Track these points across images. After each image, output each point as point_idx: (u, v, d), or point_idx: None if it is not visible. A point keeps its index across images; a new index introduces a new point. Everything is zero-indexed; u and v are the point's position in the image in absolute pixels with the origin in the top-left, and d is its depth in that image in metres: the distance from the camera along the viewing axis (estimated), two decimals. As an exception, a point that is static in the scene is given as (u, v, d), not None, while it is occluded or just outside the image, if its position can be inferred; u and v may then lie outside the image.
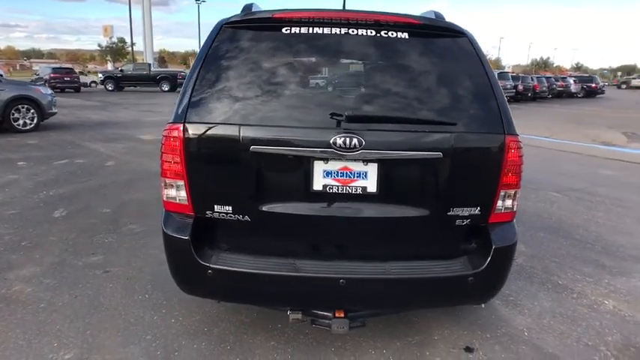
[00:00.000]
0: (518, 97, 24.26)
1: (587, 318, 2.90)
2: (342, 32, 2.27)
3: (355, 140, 2.05)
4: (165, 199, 2.28)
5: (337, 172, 2.14)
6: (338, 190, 2.14)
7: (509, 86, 22.75)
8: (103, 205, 4.87)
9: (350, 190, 2.14)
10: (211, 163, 2.19)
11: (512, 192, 2.25)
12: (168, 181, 2.23)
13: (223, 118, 2.15)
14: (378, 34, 2.28)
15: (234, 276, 2.16)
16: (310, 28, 2.27)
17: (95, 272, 3.32)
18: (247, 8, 2.56)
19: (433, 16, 2.54)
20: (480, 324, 2.77)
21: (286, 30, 2.28)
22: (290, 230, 2.22)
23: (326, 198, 2.16)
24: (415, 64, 2.29)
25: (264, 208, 2.17)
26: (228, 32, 2.32)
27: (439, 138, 2.12)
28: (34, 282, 3.14)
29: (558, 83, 29.34)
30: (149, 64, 30.44)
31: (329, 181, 2.14)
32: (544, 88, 26.79)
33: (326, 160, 2.11)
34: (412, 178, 2.19)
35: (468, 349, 2.53)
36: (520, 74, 27.74)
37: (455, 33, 2.33)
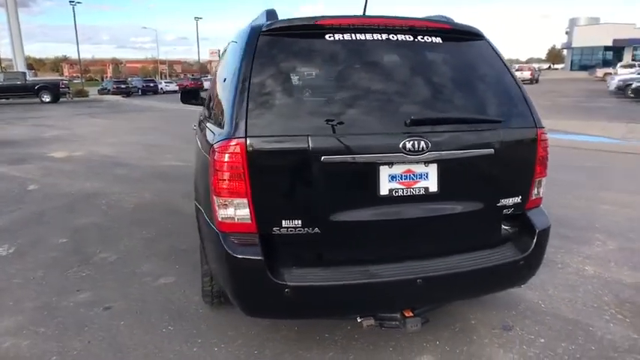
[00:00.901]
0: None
1: (581, 284, 3.27)
2: (384, 38, 2.31)
3: (422, 143, 2.11)
4: (220, 219, 2.14)
5: (401, 176, 2.18)
6: (403, 192, 2.18)
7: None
8: (54, 235, 4.34)
9: (414, 192, 2.20)
10: (278, 178, 2.10)
11: (543, 179, 2.47)
12: (224, 200, 2.10)
13: (286, 129, 2.08)
14: (415, 39, 2.35)
15: (311, 291, 2.11)
16: (353, 35, 2.28)
17: (95, 311, 2.97)
18: (271, 14, 2.47)
19: (445, 20, 2.67)
20: (502, 304, 2.99)
21: (329, 37, 2.26)
22: (360, 237, 2.21)
23: (392, 201, 2.19)
24: (452, 67, 2.40)
25: (334, 218, 2.13)
26: (267, 39, 2.23)
27: (489, 135, 2.27)
28: (27, 333, 2.73)
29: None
30: (23, 73, 27.23)
31: (394, 184, 2.17)
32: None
33: (390, 164, 2.14)
34: (468, 175, 2.30)
35: (506, 328, 2.73)
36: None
37: (477, 36, 2.50)
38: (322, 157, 2.06)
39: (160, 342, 2.62)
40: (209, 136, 2.39)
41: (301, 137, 2.06)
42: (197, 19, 63.13)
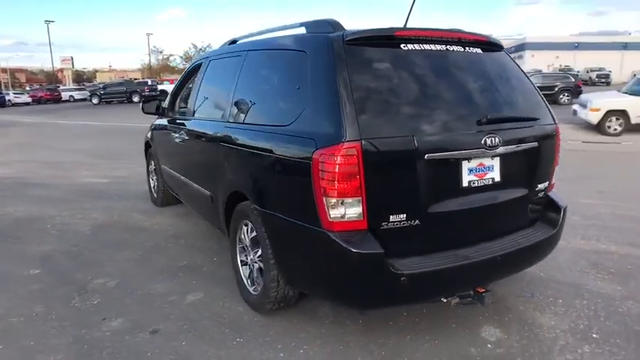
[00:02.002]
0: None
1: (557, 254, 3.90)
2: (445, 48, 2.62)
3: (497, 139, 2.45)
4: (330, 219, 2.23)
5: (476, 169, 2.50)
6: (477, 183, 2.50)
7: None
8: (20, 268, 3.80)
9: (485, 182, 2.53)
10: (387, 176, 2.27)
11: (557, 166, 2.99)
12: (337, 200, 2.21)
13: (392, 130, 2.27)
14: (465, 49, 2.71)
15: (422, 278, 2.30)
16: (421, 45, 2.54)
17: (142, 336, 2.77)
18: (337, 24, 2.60)
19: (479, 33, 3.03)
20: (512, 279, 3.45)
21: (404, 46, 2.49)
22: (448, 225, 2.47)
23: (470, 192, 2.49)
24: (492, 73, 2.78)
25: (431, 210, 2.37)
26: (352, 48, 2.39)
27: (533, 131, 2.71)
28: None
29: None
30: None
31: (471, 177, 2.49)
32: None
33: (469, 159, 2.45)
34: (519, 165, 2.70)
35: (529, 295, 3.20)
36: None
37: (500, 47, 2.93)
38: (426, 155, 2.28)
39: (241, 354, 2.57)
40: (294, 142, 2.42)
41: (407, 137, 2.26)
42: (48, 22, 56.48)
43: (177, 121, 4.44)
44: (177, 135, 4.22)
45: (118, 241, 4.40)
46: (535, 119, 2.74)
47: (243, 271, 3.17)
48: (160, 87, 34.68)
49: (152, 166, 5.57)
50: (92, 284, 3.48)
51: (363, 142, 2.17)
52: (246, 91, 3.16)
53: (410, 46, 2.51)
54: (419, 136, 2.28)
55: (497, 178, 2.57)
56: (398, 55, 2.48)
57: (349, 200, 2.21)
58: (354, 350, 2.58)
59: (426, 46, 2.56)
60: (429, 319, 2.87)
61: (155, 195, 5.58)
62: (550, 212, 2.92)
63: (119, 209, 5.49)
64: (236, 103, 3.17)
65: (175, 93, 4.88)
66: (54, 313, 3.06)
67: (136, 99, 32.39)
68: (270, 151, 2.60)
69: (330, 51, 2.38)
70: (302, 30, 2.87)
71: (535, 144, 2.69)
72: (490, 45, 2.85)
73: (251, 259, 3.01)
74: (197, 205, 4.05)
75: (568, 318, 2.89)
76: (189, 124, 3.97)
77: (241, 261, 3.18)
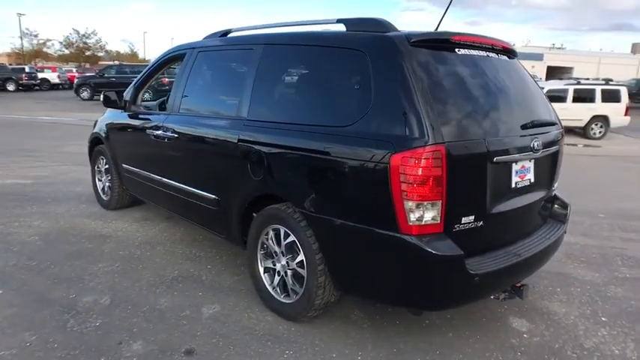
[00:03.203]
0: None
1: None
2: (486, 55, 2.73)
3: (540, 142, 2.62)
4: (410, 223, 2.21)
5: (520, 170, 2.64)
6: (520, 185, 2.65)
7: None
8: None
9: (524, 184, 2.69)
10: (463, 178, 2.30)
11: (560, 167, 3.27)
12: (416, 204, 2.19)
13: (467, 134, 2.31)
14: (498, 56, 2.85)
15: (491, 276, 2.37)
16: (471, 50, 2.63)
17: (177, 357, 2.48)
18: (389, 24, 2.57)
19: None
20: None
21: (459, 50, 2.55)
22: (504, 224, 2.58)
23: (516, 192, 2.64)
24: (519, 79, 2.95)
25: (492, 211, 2.46)
26: (415, 50, 2.39)
27: (557, 135, 2.94)
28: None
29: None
30: None
31: (517, 178, 2.63)
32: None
33: (517, 161, 2.59)
34: (546, 167, 2.90)
35: (533, 285, 3.45)
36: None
37: (516, 54, 3.12)
38: (495, 158, 2.36)
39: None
40: (362, 144, 2.33)
41: (480, 141, 2.32)
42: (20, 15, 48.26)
43: (153, 116, 4.04)
44: (153, 132, 3.82)
45: (82, 252, 3.88)
46: (556, 123, 2.97)
47: (267, 279, 2.99)
48: (40, 75, 31.07)
49: (102, 166, 4.99)
50: (81, 303, 3.03)
51: (447, 144, 2.18)
52: (271, 87, 2.97)
53: (463, 51, 2.57)
54: (491, 139, 2.35)
55: (532, 179, 2.74)
56: (454, 59, 2.52)
57: (430, 203, 2.20)
58: (409, 353, 2.59)
59: (474, 52, 2.64)
60: (459, 316, 2.97)
61: (106, 197, 5.01)
62: (558, 209, 3.18)
63: (63, 214, 4.83)
64: (258, 100, 2.96)
65: (140, 86, 4.43)
66: (52, 340, 2.61)
67: (11, 87, 28.53)
68: (326, 153, 2.48)
69: (397, 52, 2.34)
70: (339, 27, 2.78)
71: (557, 147, 2.92)
72: (512, 53, 3.02)
73: (283, 266, 2.85)
74: (186, 209, 3.71)
75: (574, 305, 3.18)
76: (177, 121, 3.62)
77: (265, 268, 2.99)
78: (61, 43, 51.65)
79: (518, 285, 2.72)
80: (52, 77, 31.72)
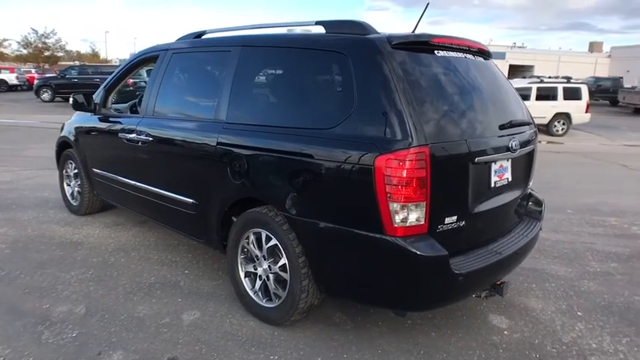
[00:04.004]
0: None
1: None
2: (464, 56, 2.77)
3: (517, 142, 2.68)
4: (395, 225, 2.23)
5: (498, 170, 2.69)
6: (498, 184, 2.71)
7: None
8: None
9: (502, 183, 2.75)
10: (447, 180, 2.33)
11: (534, 165, 3.36)
12: (401, 205, 2.21)
13: (448, 135, 2.34)
14: (474, 57, 2.90)
15: (473, 275, 2.41)
16: (450, 52, 2.66)
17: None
18: (370, 27, 2.58)
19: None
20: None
21: (437, 52, 2.59)
22: (484, 224, 2.62)
23: (495, 192, 2.69)
24: (494, 79, 2.99)
25: (473, 210, 2.50)
26: (396, 52, 2.40)
27: (532, 134, 3.01)
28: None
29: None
30: None
31: (496, 178, 2.68)
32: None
33: (495, 161, 2.64)
34: (522, 166, 2.96)
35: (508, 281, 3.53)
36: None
37: (490, 55, 3.18)
38: (476, 159, 2.40)
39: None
40: (346, 147, 2.32)
41: (461, 142, 2.35)
42: None
43: (125, 119, 3.92)
44: (126, 135, 3.71)
45: (53, 260, 3.74)
46: (531, 123, 3.05)
47: (249, 284, 2.95)
48: (-2, 76, 29.79)
49: (71, 171, 4.82)
50: (55, 313, 2.92)
51: (430, 146, 2.20)
52: (250, 89, 2.93)
53: (442, 53, 2.60)
54: (472, 140, 2.39)
55: (510, 178, 2.80)
56: (433, 61, 2.55)
57: (414, 205, 2.21)
58: (394, 353, 2.60)
59: (452, 54, 2.67)
60: (440, 315, 3.01)
61: (75, 203, 4.85)
62: (533, 206, 3.26)
63: (30, 221, 4.64)
64: (237, 103, 2.92)
65: (110, 88, 4.30)
66: (28, 353, 2.50)
67: (-35, 88, 27.28)
68: (309, 155, 2.46)
69: (379, 54, 2.35)
70: (318, 29, 2.77)
71: (532, 146, 2.99)
72: (487, 54, 3.08)
73: (264, 270, 2.82)
74: (162, 214, 3.62)
75: (550, 300, 3.27)
76: (151, 124, 3.53)
77: (246, 272, 2.96)
78: (18, 43, 49.64)
79: (499, 282, 2.77)
80: (10, 78, 30.38)
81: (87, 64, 31.59)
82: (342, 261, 2.48)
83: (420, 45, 2.53)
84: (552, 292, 3.40)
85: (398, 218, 2.21)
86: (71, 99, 4.29)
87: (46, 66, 46.64)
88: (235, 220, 2.95)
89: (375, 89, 2.31)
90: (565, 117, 13.68)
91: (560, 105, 13.57)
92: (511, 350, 2.66)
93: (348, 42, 2.50)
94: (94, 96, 4.32)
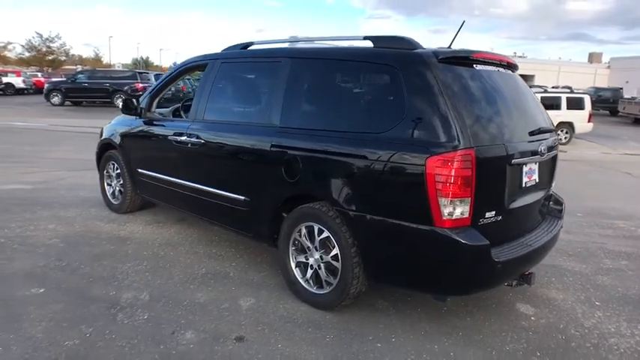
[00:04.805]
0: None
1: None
2: (496, 70, 3.10)
3: (545, 147, 3.01)
4: (444, 218, 2.53)
5: (528, 171, 3.01)
6: (528, 184, 3.02)
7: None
8: (13, 287, 3.31)
9: (531, 183, 3.06)
10: (487, 178, 2.64)
11: (555, 169, 3.68)
12: (448, 200, 2.52)
13: (489, 139, 2.66)
14: (505, 70, 3.23)
15: (510, 264, 2.72)
16: (487, 66, 3.00)
17: (229, 345, 2.71)
18: (415, 42, 2.90)
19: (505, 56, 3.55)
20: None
21: (476, 66, 2.91)
22: (516, 219, 2.94)
23: (526, 191, 3.00)
24: (521, 90, 3.32)
25: (509, 207, 2.82)
26: (443, 65, 2.73)
27: (555, 140, 3.33)
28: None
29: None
30: None
31: (526, 179, 3.00)
32: (189, 89, 29.05)
33: (526, 163, 2.96)
34: (547, 168, 3.28)
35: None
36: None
37: (517, 68, 3.51)
38: (512, 161, 2.72)
39: (342, 348, 2.71)
40: (398, 148, 2.64)
41: (500, 145, 2.68)
42: None
43: (174, 123, 4.24)
44: (176, 138, 4.02)
45: (106, 253, 4.04)
46: (554, 130, 3.37)
47: (299, 273, 3.25)
48: (4, 79, 30.11)
49: (112, 171, 5.12)
50: (123, 299, 3.22)
51: (476, 149, 2.52)
52: (302, 97, 3.25)
53: (479, 67, 2.93)
54: (509, 144, 2.72)
55: (537, 180, 3.12)
56: (472, 74, 2.87)
57: (460, 200, 2.53)
58: (435, 335, 2.90)
59: (487, 67, 3.00)
60: (472, 303, 3.31)
61: (116, 201, 5.15)
62: (555, 206, 3.58)
63: (75, 218, 4.94)
64: (290, 109, 3.23)
65: (156, 94, 4.62)
66: (109, 332, 2.80)
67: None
68: (364, 157, 2.76)
69: (428, 67, 2.67)
70: (366, 43, 3.10)
71: (555, 151, 3.32)
72: (514, 67, 3.41)
73: (316, 260, 3.12)
74: (210, 210, 3.92)
75: (569, 292, 3.59)
76: (203, 128, 3.84)
77: (297, 262, 3.26)
78: (23, 46, 50.10)
79: (527, 273, 3.08)
80: (17, 82, 30.73)
81: (98, 68, 31.96)
82: (392, 250, 2.78)
83: (462, 59, 2.85)
84: (571, 285, 3.71)
85: (446, 212, 2.52)
86: (121, 103, 4.61)
87: (49, 70, 47.03)
88: (287, 215, 3.25)
89: (424, 98, 2.63)
90: (568, 126, 14.04)
91: (564, 114, 13.94)
92: (539, 333, 2.97)
93: (400, 56, 2.82)
94: (140, 100, 4.63)
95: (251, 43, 3.95)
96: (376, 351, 2.71)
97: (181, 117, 4.75)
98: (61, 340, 2.69)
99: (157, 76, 22.70)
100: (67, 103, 21.44)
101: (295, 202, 3.21)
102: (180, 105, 4.88)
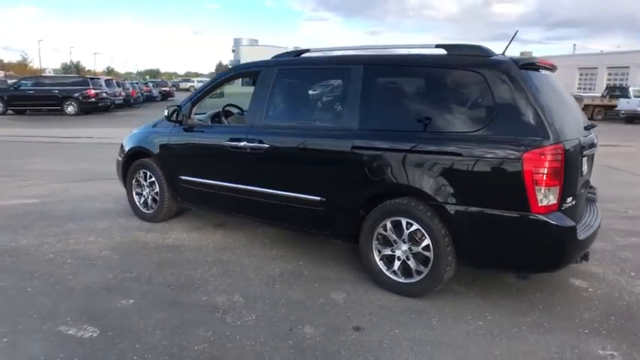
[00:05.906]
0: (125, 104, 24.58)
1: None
2: (550, 73, 3.52)
3: (595, 140, 3.46)
4: (540, 204, 2.89)
5: (584, 162, 3.45)
6: (583, 174, 3.45)
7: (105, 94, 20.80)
8: (109, 298, 3.29)
9: (585, 171, 3.50)
10: (569, 168, 3.02)
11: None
12: (543, 189, 2.88)
13: (568, 133, 3.05)
14: (553, 72, 3.65)
15: (585, 241, 3.13)
16: (545, 70, 3.40)
17: (349, 335, 2.91)
18: (487, 50, 3.24)
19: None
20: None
21: (541, 71, 3.31)
22: (580, 203, 3.35)
23: (583, 179, 3.43)
24: (564, 89, 3.77)
25: (577, 193, 3.23)
26: (521, 71, 3.09)
27: (595, 136, 3.80)
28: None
29: (144, 88, 31.25)
30: None
31: (584, 168, 3.42)
32: (139, 94, 28.19)
33: (585, 156, 3.39)
34: (590, 160, 3.73)
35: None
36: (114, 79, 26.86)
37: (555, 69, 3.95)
38: (584, 152, 3.14)
39: (455, 329, 2.98)
40: (494, 146, 2.96)
41: (576, 140, 3.08)
42: None
43: (228, 129, 4.35)
44: (232, 144, 4.11)
45: (167, 261, 4.05)
46: (594, 127, 3.84)
47: (384, 265, 3.49)
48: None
49: (144, 180, 5.06)
50: (219, 303, 3.30)
51: (563, 143, 2.89)
52: (381, 100, 3.49)
53: (543, 71, 3.32)
54: (581, 138, 3.12)
55: (586, 170, 3.56)
56: (541, 78, 3.26)
57: (552, 189, 2.89)
58: (520, 310, 3.25)
59: (546, 71, 3.41)
60: (533, 283, 3.70)
61: (148, 211, 5.11)
62: (592, 190, 4.05)
63: (109, 230, 4.86)
64: (368, 112, 3.46)
65: (197, 101, 4.66)
66: (229, 334, 2.90)
67: None
68: (459, 154, 3.05)
69: (515, 72, 3.03)
70: (439, 51, 3.40)
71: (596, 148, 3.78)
72: (555, 69, 3.84)
73: (404, 252, 3.37)
74: (276, 213, 4.04)
75: (605, 266, 4.08)
76: (263, 133, 3.95)
77: (383, 255, 3.49)
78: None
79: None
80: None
81: (45, 75, 30.14)
82: (489, 237, 3.09)
83: (532, 65, 3.23)
84: (603, 260, 4.21)
85: (541, 199, 2.87)
86: (166, 110, 4.62)
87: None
88: (371, 211, 3.48)
89: (515, 100, 2.97)
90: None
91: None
92: (602, 301, 3.40)
93: (486, 63, 3.13)
94: (181, 107, 4.64)
95: (306, 50, 4.12)
96: (483, 328, 3.01)
97: (221, 123, 4.82)
98: (188, 345, 2.76)
99: (106, 82, 21.79)
100: (9, 112, 20.11)
101: (376, 200, 3.44)
102: (220, 111, 4.94)
